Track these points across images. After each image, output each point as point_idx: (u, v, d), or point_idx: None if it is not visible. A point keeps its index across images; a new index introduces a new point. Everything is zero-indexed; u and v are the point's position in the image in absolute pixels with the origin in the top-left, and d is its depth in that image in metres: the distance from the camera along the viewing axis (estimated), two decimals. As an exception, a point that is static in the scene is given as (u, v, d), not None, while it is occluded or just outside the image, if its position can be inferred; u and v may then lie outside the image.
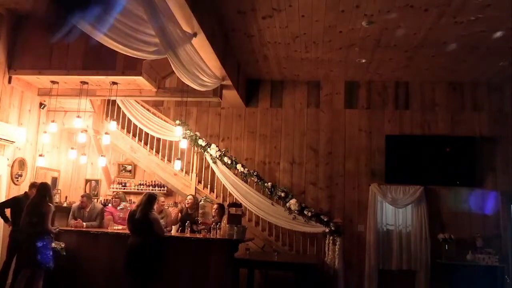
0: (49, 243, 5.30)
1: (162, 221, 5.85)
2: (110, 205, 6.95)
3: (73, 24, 3.48)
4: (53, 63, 6.18)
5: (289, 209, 7.19)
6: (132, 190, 7.81)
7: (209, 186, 7.70)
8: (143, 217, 5.27)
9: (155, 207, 5.58)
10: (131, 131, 7.93)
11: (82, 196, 6.67)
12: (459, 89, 7.78)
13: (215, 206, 6.54)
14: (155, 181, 7.91)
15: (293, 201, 7.21)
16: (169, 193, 7.91)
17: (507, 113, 7.50)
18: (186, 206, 6.62)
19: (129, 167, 8.17)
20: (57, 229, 5.59)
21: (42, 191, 5.37)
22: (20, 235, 5.30)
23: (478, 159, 7.37)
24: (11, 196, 6.11)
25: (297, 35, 6.15)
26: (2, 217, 5.69)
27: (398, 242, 7.35)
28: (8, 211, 5.85)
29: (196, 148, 7.72)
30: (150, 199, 5.45)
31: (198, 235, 5.88)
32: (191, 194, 6.91)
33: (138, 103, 7.93)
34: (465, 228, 7.25)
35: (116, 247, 5.66)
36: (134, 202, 7.06)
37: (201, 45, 5.18)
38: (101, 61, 6.02)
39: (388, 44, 6.27)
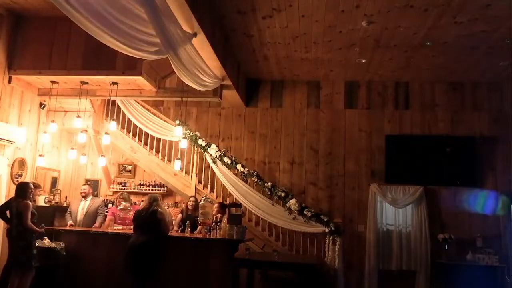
0: (32, 241, 5.25)
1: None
2: (111, 205, 6.95)
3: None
4: (53, 63, 6.18)
5: (289, 209, 7.19)
6: (132, 190, 7.80)
7: (209, 186, 7.70)
8: (152, 213, 5.31)
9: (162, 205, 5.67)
10: (131, 131, 7.93)
11: (84, 184, 6.87)
12: (459, 89, 7.79)
13: (216, 205, 6.55)
14: (155, 181, 7.91)
15: (293, 201, 7.21)
16: (169, 193, 7.91)
17: (507, 113, 7.51)
18: (189, 207, 6.62)
19: (129, 167, 8.16)
20: (43, 229, 5.49)
21: (18, 192, 5.37)
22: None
23: (478, 159, 7.37)
24: (11, 196, 6.09)
25: (297, 35, 6.15)
26: (4, 220, 5.68)
27: (398, 242, 7.35)
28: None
29: (196, 148, 7.72)
30: (155, 198, 5.55)
31: (198, 235, 5.89)
32: (193, 196, 6.93)
33: (138, 103, 7.93)
34: (465, 228, 7.26)
35: (116, 247, 5.66)
36: (135, 203, 7.09)
37: (201, 45, 5.18)
38: (101, 61, 6.02)
39: (388, 44, 6.27)
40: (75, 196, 7.89)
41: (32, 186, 5.52)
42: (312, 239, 7.33)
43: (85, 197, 6.68)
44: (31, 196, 5.45)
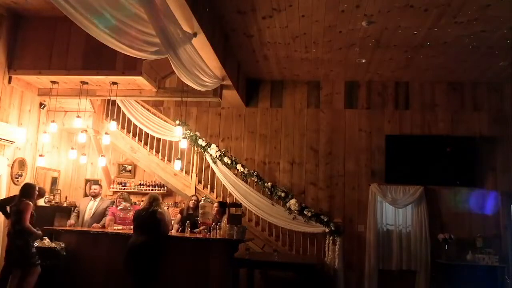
0: (30, 241, 5.24)
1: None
2: (112, 205, 6.96)
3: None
4: (53, 63, 6.17)
5: (289, 209, 7.19)
6: (132, 190, 7.80)
7: (209, 186, 7.70)
8: (152, 214, 5.32)
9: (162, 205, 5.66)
10: (131, 131, 7.93)
11: (95, 184, 6.80)
12: (459, 89, 7.79)
13: (216, 205, 6.56)
14: (155, 181, 7.91)
15: (293, 201, 7.21)
16: (169, 193, 7.91)
17: (507, 113, 7.51)
18: (191, 206, 6.62)
19: (129, 167, 8.16)
20: (39, 232, 5.48)
21: (22, 191, 5.38)
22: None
23: (478, 159, 7.37)
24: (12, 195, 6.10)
25: (297, 35, 6.15)
26: (4, 214, 5.69)
27: (398, 242, 7.36)
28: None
29: (196, 148, 7.72)
30: (155, 197, 5.55)
31: (198, 235, 5.89)
32: (195, 195, 6.94)
33: (138, 103, 7.93)
34: (465, 228, 7.26)
35: (116, 247, 5.66)
36: (135, 203, 7.09)
37: (201, 45, 5.18)
38: (101, 61, 6.01)
39: (388, 44, 6.27)
40: (75, 196, 7.91)
41: (37, 188, 5.53)
42: (312, 239, 7.34)
43: (95, 196, 6.68)
44: (34, 198, 5.46)
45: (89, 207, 6.60)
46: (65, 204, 7.22)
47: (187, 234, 5.90)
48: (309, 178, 7.85)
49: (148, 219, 5.32)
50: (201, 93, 6.68)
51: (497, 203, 7.27)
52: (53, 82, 6.48)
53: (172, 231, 6.36)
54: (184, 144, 7.06)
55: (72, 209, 6.89)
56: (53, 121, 6.68)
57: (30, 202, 5.29)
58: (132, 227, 5.67)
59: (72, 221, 6.42)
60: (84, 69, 6.12)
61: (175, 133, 7.29)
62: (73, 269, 5.75)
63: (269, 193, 7.41)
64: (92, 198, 6.70)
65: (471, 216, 7.30)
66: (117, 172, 8.18)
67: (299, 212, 7.18)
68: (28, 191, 5.37)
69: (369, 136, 7.82)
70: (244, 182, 7.49)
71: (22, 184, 5.67)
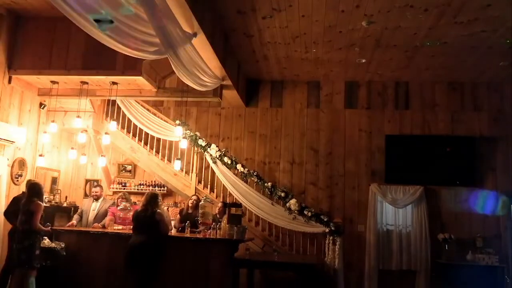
0: (36, 242, 5.21)
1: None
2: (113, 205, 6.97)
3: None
4: (53, 63, 6.17)
5: (289, 209, 7.19)
6: (132, 190, 7.80)
7: (209, 186, 7.70)
8: (151, 215, 5.32)
9: (161, 205, 5.65)
10: (131, 131, 7.94)
11: (95, 186, 6.81)
12: (459, 89, 7.78)
13: (219, 204, 6.58)
14: (155, 181, 7.91)
15: (293, 201, 7.21)
16: (169, 193, 7.91)
17: (507, 113, 7.50)
18: (190, 205, 6.62)
19: (129, 167, 8.17)
20: (49, 228, 5.51)
21: (29, 190, 5.35)
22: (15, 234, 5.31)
23: (478, 159, 7.37)
24: (11, 196, 6.09)
25: (297, 35, 6.15)
26: (10, 220, 5.67)
27: (398, 242, 7.35)
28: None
29: (196, 148, 7.72)
30: (153, 196, 5.53)
31: (198, 235, 5.89)
32: (195, 195, 6.95)
33: (138, 103, 7.93)
34: (465, 228, 7.26)
35: (116, 247, 5.66)
36: (135, 203, 7.09)
37: (201, 45, 5.18)
38: (101, 61, 6.01)
39: (388, 44, 6.27)
40: (75, 196, 7.91)
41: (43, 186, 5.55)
42: (312, 239, 7.34)
43: (97, 199, 6.71)
44: (44, 197, 5.46)
45: (92, 208, 6.63)
46: (65, 204, 7.22)
47: (187, 234, 5.90)
48: (309, 178, 7.85)
49: (148, 220, 5.33)
50: (201, 93, 6.68)
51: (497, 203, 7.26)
52: (53, 82, 6.49)
53: (172, 232, 6.37)
54: (184, 144, 7.06)
55: (72, 209, 6.91)
56: (53, 121, 6.68)
57: (41, 203, 5.28)
58: (132, 227, 5.67)
59: (73, 221, 6.42)
60: (84, 69, 6.12)
61: (175, 133, 7.29)
62: (73, 269, 5.75)
63: (269, 193, 7.41)
64: (95, 200, 6.72)
65: (471, 216, 7.30)
66: (117, 172, 8.18)
67: (299, 212, 7.18)
68: (37, 190, 5.35)
69: (369, 136, 7.82)
70: (244, 182, 7.49)
71: (28, 183, 5.63)
